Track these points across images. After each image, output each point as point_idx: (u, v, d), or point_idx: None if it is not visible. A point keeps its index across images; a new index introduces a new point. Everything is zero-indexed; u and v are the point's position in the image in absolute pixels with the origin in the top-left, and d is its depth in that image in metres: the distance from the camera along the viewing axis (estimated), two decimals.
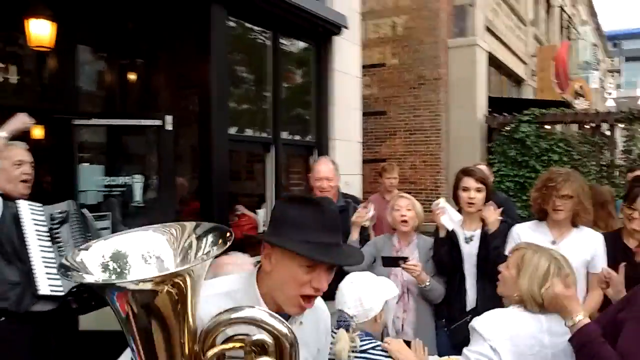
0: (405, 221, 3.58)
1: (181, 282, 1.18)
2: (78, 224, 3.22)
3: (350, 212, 3.94)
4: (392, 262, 3.41)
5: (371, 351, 2.33)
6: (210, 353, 1.26)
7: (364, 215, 3.75)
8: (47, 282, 2.86)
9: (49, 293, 2.84)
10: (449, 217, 3.50)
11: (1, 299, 2.75)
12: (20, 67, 5.07)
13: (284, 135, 6.08)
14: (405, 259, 3.34)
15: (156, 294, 1.16)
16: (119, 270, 1.29)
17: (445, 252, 3.47)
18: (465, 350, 2.20)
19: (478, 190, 3.44)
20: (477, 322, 2.18)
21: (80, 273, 1.23)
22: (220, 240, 1.30)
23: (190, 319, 1.24)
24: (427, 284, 3.41)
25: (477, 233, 3.44)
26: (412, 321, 3.48)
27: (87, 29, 5.35)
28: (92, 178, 4.93)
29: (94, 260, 1.26)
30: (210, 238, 1.32)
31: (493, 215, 3.39)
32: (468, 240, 3.45)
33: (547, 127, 10.08)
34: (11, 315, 2.75)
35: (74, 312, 3.09)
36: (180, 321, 1.21)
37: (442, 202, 3.61)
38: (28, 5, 4.71)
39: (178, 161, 5.23)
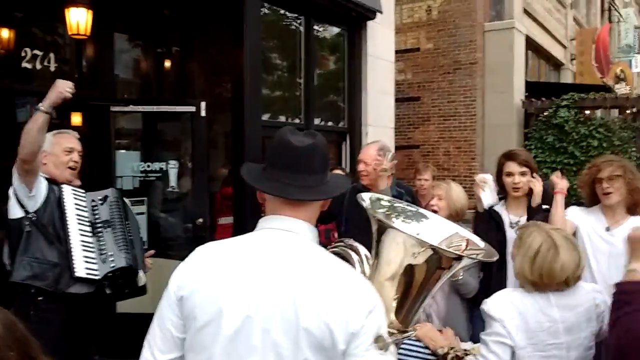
0: (435, 211, 3.53)
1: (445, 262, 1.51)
2: (118, 210, 3.28)
3: None
4: None
5: None
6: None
7: None
8: (83, 265, 2.93)
9: (84, 276, 2.91)
10: (489, 193, 3.43)
11: (40, 278, 2.83)
12: (59, 55, 5.17)
13: (317, 121, 6.07)
14: None
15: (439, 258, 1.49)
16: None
17: (482, 229, 3.38)
18: (482, 335, 2.21)
19: (522, 174, 3.31)
20: (486, 305, 2.19)
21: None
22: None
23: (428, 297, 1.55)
24: (460, 277, 3.35)
25: (523, 219, 3.34)
26: (442, 310, 3.44)
27: (123, 17, 5.44)
28: (128, 164, 5.04)
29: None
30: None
31: (539, 186, 3.29)
32: (513, 225, 3.33)
33: (586, 112, 9.85)
34: (48, 295, 2.82)
35: (108, 297, 3.15)
36: (423, 292, 1.51)
37: (486, 176, 3.51)
38: None
39: (212, 147, 5.28)
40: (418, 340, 2.36)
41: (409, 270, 1.47)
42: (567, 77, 14.85)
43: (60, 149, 3.07)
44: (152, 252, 3.49)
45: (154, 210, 5.12)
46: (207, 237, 4.92)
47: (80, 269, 2.90)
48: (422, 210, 1.75)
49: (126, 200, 3.51)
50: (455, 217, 3.58)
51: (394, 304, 1.45)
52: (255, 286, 1.35)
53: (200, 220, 4.89)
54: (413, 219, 1.70)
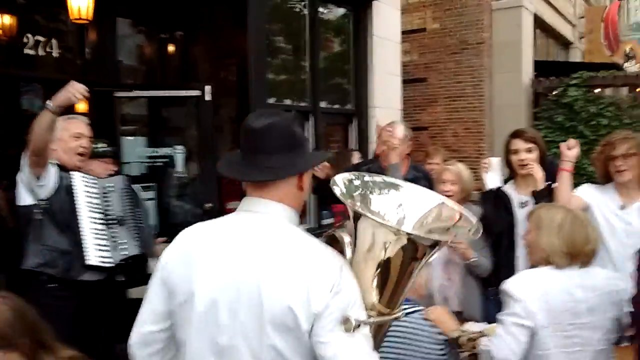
0: (449, 196, 3.48)
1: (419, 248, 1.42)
2: (129, 198, 3.26)
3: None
4: None
5: (410, 316, 2.33)
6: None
7: None
8: (95, 253, 2.92)
9: (97, 264, 2.90)
10: (493, 175, 3.38)
11: (51, 266, 2.82)
12: (62, 41, 5.13)
13: (323, 104, 6.02)
14: None
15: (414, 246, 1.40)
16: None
17: (490, 209, 3.33)
18: (499, 315, 2.18)
19: (529, 150, 3.24)
20: (507, 285, 2.17)
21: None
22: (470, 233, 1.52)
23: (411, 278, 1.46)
24: (474, 259, 3.31)
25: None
26: (458, 290, 3.41)
27: (125, 1, 5.38)
28: (135, 150, 5.01)
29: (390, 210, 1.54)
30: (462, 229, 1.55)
31: (539, 171, 3.19)
32: (523, 205, 3.25)
33: (596, 90, 9.74)
34: (60, 282, 2.82)
35: (122, 284, 3.14)
36: (405, 274, 1.43)
37: (491, 159, 3.48)
38: None
39: (218, 131, 5.24)
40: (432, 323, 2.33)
41: (388, 254, 1.42)
42: (576, 56, 14.67)
43: (68, 135, 3.03)
44: (163, 239, 3.45)
45: (163, 196, 5.10)
46: None
47: (93, 257, 2.89)
48: (398, 182, 1.64)
49: (135, 187, 3.48)
50: (465, 198, 3.55)
51: (374, 286, 1.42)
52: (222, 268, 1.39)
53: (209, 204, 4.87)
54: (389, 193, 1.60)
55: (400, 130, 3.86)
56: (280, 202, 1.47)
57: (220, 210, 4.90)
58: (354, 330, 1.30)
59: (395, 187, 1.62)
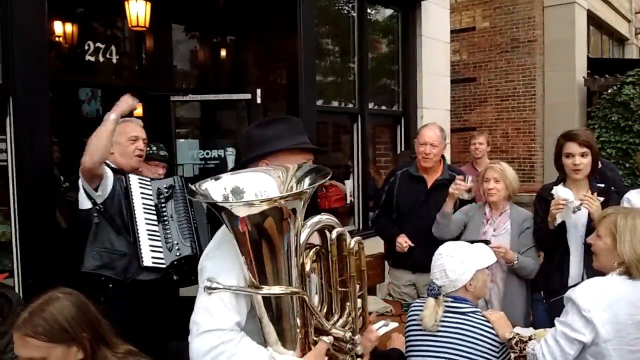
0: (493, 194, 3.47)
1: (284, 209, 1.47)
2: (183, 199, 3.30)
3: None
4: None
5: (471, 315, 2.38)
6: (308, 263, 1.65)
7: (461, 186, 3.50)
8: (150, 255, 3.00)
9: (151, 265, 2.98)
10: (567, 213, 3.13)
11: (109, 267, 2.91)
12: (120, 47, 5.34)
13: (371, 105, 6.04)
14: (487, 242, 3.12)
15: (265, 216, 1.46)
16: (237, 198, 1.62)
17: (550, 239, 3.26)
18: (556, 320, 2.16)
19: (583, 155, 3.15)
20: (574, 292, 2.12)
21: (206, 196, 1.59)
22: (319, 178, 1.59)
23: (293, 239, 1.54)
24: (516, 262, 3.29)
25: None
26: (500, 293, 3.39)
27: (180, 8, 5.55)
28: (188, 152, 5.17)
29: (216, 191, 1.61)
30: (308, 178, 1.61)
31: (595, 205, 3.01)
32: (575, 210, 3.15)
33: None
34: (118, 283, 2.91)
35: (175, 283, 3.21)
36: (283, 240, 1.51)
37: (560, 192, 3.13)
38: None
39: None
40: (484, 318, 2.39)
41: (237, 233, 1.53)
42: (631, 53, 14.17)
43: (125, 138, 3.11)
44: None
45: None
46: None
47: (147, 259, 2.97)
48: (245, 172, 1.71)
49: (192, 187, 3.53)
50: (511, 197, 3.53)
51: (243, 262, 1.55)
52: None
53: None
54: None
55: (436, 132, 3.88)
56: None
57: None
58: (209, 290, 1.54)
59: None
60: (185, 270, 3.12)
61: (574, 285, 3.08)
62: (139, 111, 5.81)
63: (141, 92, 5.37)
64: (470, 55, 10.57)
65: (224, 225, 1.57)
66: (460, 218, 3.57)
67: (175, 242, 3.13)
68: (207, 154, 5.16)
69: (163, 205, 3.20)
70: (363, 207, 5.88)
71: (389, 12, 6.53)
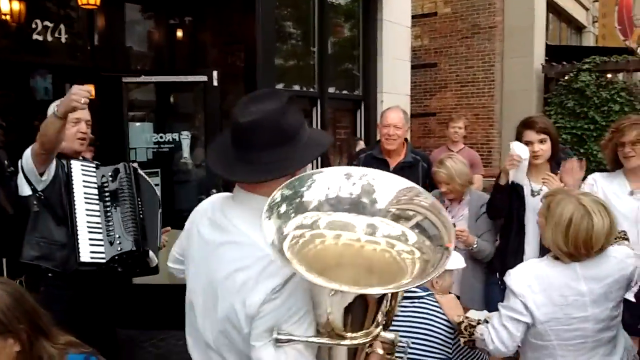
0: (448, 196, 3.49)
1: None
2: (129, 187, 3.09)
3: (419, 169, 3.83)
4: None
5: (426, 298, 2.37)
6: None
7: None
8: (89, 249, 2.83)
9: (89, 260, 2.81)
10: (520, 170, 3.22)
11: (48, 258, 2.78)
12: (70, 26, 5.14)
13: (331, 89, 6.00)
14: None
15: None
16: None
17: (500, 199, 3.30)
18: (499, 305, 2.19)
19: (541, 141, 3.21)
20: (508, 278, 2.15)
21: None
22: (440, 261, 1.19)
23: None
24: (475, 246, 3.33)
25: (545, 189, 3.27)
26: (458, 275, 3.42)
27: None
28: (142, 135, 5.03)
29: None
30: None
31: (555, 183, 3.10)
32: (535, 193, 3.24)
33: (608, 76, 9.61)
34: (56, 274, 2.78)
35: (120, 274, 3.03)
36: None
37: (516, 147, 3.18)
38: None
39: (225, 117, 5.25)
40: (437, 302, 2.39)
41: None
42: (589, 40, 14.46)
43: (67, 120, 2.92)
44: (168, 228, 3.35)
45: (168, 182, 5.13)
46: None
47: (85, 254, 2.81)
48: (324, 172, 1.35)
49: (142, 172, 3.31)
50: (466, 187, 3.52)
51: (329, 304, 1.25)
52: (204, 256, 1.47)
53: (214, 191, 4.88)
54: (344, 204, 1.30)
55: (399, 114, 3.88)
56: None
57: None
58: (281, 343, 1.26)
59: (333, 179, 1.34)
60: (130, 263, 2.94)
61: None
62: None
63: (92, 73, 5.22)
64: (431, 40, 10.60)
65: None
66: None
67: (117, 236, 2.93)
68: (162, 137, 5.03)
69: (106, 195, 3.01)
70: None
71: None
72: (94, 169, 3.04)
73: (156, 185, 4.96)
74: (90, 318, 2.76)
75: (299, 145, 1.41)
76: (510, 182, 3.26)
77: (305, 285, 1.27)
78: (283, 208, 1.23)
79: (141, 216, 3.08)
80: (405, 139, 3.99)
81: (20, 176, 2.82)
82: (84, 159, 3.08)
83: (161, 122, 5.17)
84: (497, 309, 2.30)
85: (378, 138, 4.16)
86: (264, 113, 1.37)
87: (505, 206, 3.32)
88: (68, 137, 2.92)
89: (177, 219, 4.82)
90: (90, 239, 2.86)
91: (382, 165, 3.87)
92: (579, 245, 2.04)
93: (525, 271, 2.16)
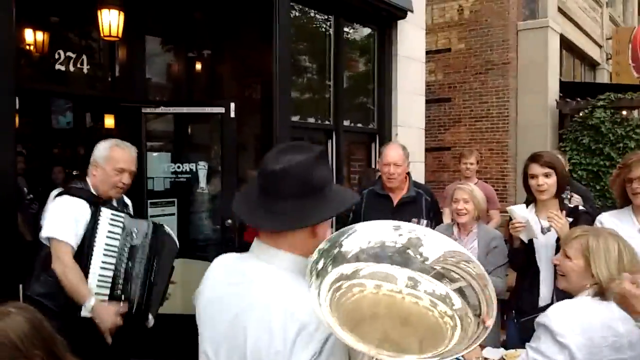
0: (462, 214, 3.48)
1: None
2: (149, 250, 3.04)
3: (422, 203, 3.82)
4: None
5: None
6: None
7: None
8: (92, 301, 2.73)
9: (88, 316, 2.69)
10: (528, 229, 3.13)
11: (52, 297, 2.71)
12: (92, 57, 5.24)
13: (346, 122, 6.04)
14: None
15: None
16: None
17: (521, 259, 3.26)
18: (527, 346, 2.11)
19: (546, 175, 3.17)
20: (546, 317, 2.06)
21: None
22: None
23: None
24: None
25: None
26: None
27: (154, 19, 5.50)
28: (159, 165, 5.08)
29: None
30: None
31: (561, 221, 3.01)
32: (545, 230, 3.18)
33: (623, 112, 9.60)
34: (58, 316, 2.53)
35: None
36: None
37: (516, 211, 3.15)
38: None
39: (241, 149, 5.30)
40: None
41: None
42: (603, 77, 14.51)
43: (111, 167, 2.91)
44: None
45: (184, 212, 5.16)
46: (235, 238, 4.92)
47: (86, 311, 2.71)
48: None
49: (168, 229, 3.25)
50: (479, 218, 3.57)
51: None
52: (219, 318, 1.41)
53: (229, 221, 4.90)
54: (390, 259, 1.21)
55: (399, 151, 3.88)
56: (290, 252, 1.38)
57: (240, 227, 4.94)
58: None
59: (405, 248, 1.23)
60: (126, 320, 2.87)
61: (545, 307, 3.11)
62: (110, 122, 5.72)
63: (112, 103, 5.31)
64: (445, 76, 10.68)
65: (305, 314, 1.22)
66: None
67: (123, 297, 2.90)
68: (179, 167, 5.08)
69: (126, 250, 2.96)
70: (336, 225, 5.83)
71: (365, 30, 6.56)
72: (122, 221, 2.98)
73: (172, 214, 5.03)
74: (104, 348, 2.72)
75: (324, 200, 1.39)
76: (525, 241, 3.21)
77: (340, 344, 1.21)
78: (321, 264, 1.16)
79: (152, 279, 3.03)
80: (408, 173, 3.98)
81: (44, 217, 2.81)
82: (115, 206, 3.04)
83: (178, 153, 5.22)
84: (513, 347, 2.25)
85: (379, 174, 4.15)
86: (294, 163, 1.37)
87: (526, 261, 3.26)
88: (108, 183, 2.92)
89: (192, 248, 4.89)
90: (96, 293, 2.79)
91: (385, 201, 3.87)
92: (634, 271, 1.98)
93: (566, 311, 2.07)
